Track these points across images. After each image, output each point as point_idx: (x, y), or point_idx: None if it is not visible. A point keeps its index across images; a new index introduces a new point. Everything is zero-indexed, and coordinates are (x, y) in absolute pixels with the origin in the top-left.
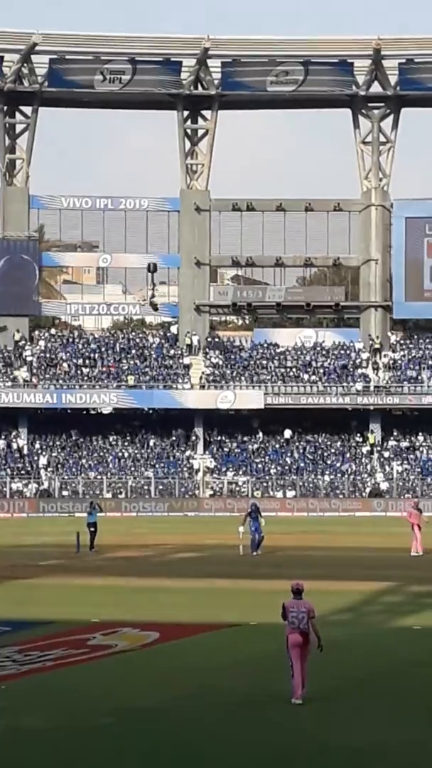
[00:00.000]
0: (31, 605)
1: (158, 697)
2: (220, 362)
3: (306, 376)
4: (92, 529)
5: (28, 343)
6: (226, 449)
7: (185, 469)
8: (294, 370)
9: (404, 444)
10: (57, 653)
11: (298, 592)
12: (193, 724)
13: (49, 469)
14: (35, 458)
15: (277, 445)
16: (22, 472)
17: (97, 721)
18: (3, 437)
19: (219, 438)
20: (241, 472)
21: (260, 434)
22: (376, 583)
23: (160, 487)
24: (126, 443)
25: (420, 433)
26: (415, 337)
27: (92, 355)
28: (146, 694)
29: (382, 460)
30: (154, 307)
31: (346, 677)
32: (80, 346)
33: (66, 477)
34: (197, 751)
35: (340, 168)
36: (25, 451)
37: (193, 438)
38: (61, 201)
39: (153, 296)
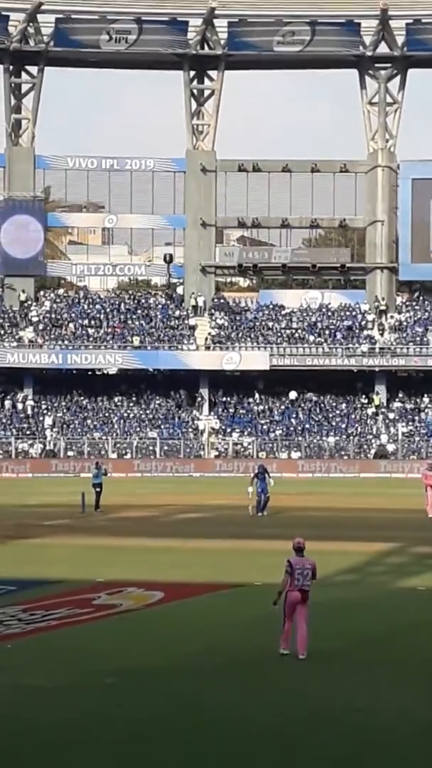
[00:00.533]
0: (36, 565)
1: (163, 656)
2: (226, 323)
3: (311, 338)
4: (97, 489)
5: (34, 304)
6: (231, 410)
7: (190, 429)
8: (299, 331)
9: (409, 405)
10: (62, 612)
11: (300, 549)
12: (197, 683)
13: (54, 430)
14: (40, 418)
15: (282, 407)
16: (28, 432)
17: (102, 681)
18: (8, 397)
19: (224, 399)
20: (246, 433)
21: (265, 395)
22: (381, 544)
23: (165, 447)
24: (131, 404)
25: (425, 395)
26: (421, 298)
27: (98, 315)
28: (151, 654)
29: (387, 421)
30: (169, 259)
31: (351, 638)
32: (86, 307)
33: (71, 437)
34: (201, 710)
35: (346, 129)
36: (30, 412)
37: (199, 399)
38: (66, 161)
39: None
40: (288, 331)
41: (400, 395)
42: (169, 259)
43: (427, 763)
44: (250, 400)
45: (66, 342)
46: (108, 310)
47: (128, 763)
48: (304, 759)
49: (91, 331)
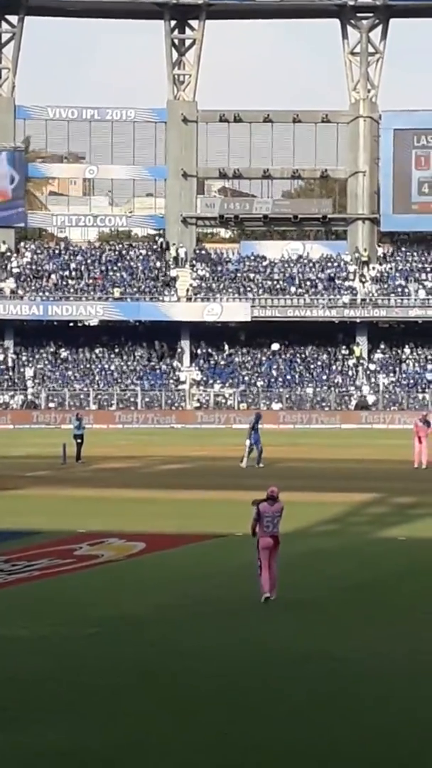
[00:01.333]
0: (17, 516)
1: (144, 606)
2: (207, 275)
3: (293, 289)
4: (79, 440)
5: (14, 255)
6: (212, 362)
7: (171, 381)
8: (281, 282)
9: (390, 357)
10: (44, 563)
11: (272, 498)
12: (177, 632)
13: (35, 381)
14: (21, 370)
15: (264, 358)
16: (8, 383)
17: (84, 630)
18: None
19: (206, 350)
20: (227, 385)
21: (246, 347)
22: (362, 495)
23: (146, 399)
24: (112, 356)
25: (406, 346)
26: (402, 249)
27: (78, 267)
28: (132, 603)
29: (368, 372)
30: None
31: (332, 587)
32: (66, 258)
33: (52, 389)
34: (182, 659)
35: (328, 79)
36: (11, 363)
37: (180, 350)
38: (47, 111)
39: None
40: (269, 283)
41: (382, 346)
42: (166, 246)
43: (404, 706)
44: (232, 351)
45: (47, 293)
46: (89, 261)
47: (110, 711)
48: (282, 699)
49: (72, 282)
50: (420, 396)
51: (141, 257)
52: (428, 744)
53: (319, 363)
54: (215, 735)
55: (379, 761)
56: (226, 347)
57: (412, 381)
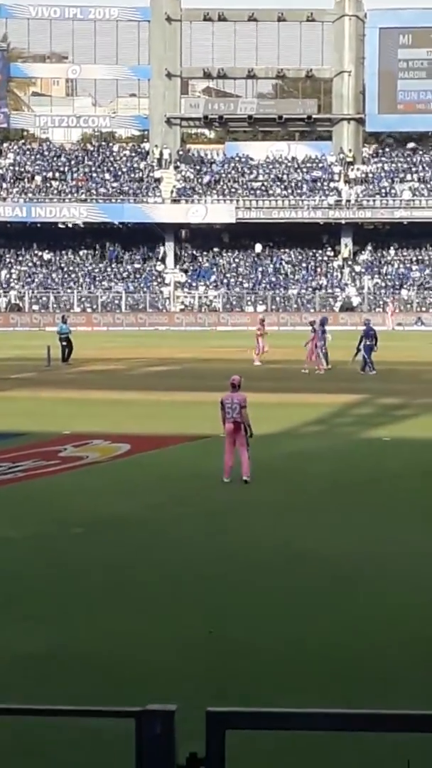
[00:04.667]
0: (2, 417)
1: (130, 506)
2: (191, 176)
3: (278, 190)
4: (64, 343)
5: None
6: (197, 264)
7: (156, 283)
8: (265, 183)
9: (375, 258)
10: (28, 464)
11: (234, 386)
12: (163, 533)
13: (18, 283)
14: (4, 272)
15: (249, 260)
16: None
17: (69, 531)
18: None
19: (190, 252)
20: (211, 287)
21: (231, 249)
22: (347, 396)
23: (131, 301)
24: (96, 258)
25: (391, 247)
26: (388, 150)
27: (62, 168)
28: (118, 504)
29: (353, 274)
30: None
31: (319, 487)
32: (50, 159)
33: (36, 291)
34: (168, 558)
35: None
36: None
37: (164, 252)
38: (29, 10)
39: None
40: (254, 184)
41: (367, 248)
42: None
43: (397, 602)
44: (216, 253)
45: (30, 195)
46: (72, 162)
47: (96, 610)
48: (272, 597)
49: (55, 183)
50: (405, 294)
51: (125, 158)
52: (416, 638)
53: (304, 265)
54: (202, 633)
55: (372, 656)
56: (211, 249)
57: (397, 282)
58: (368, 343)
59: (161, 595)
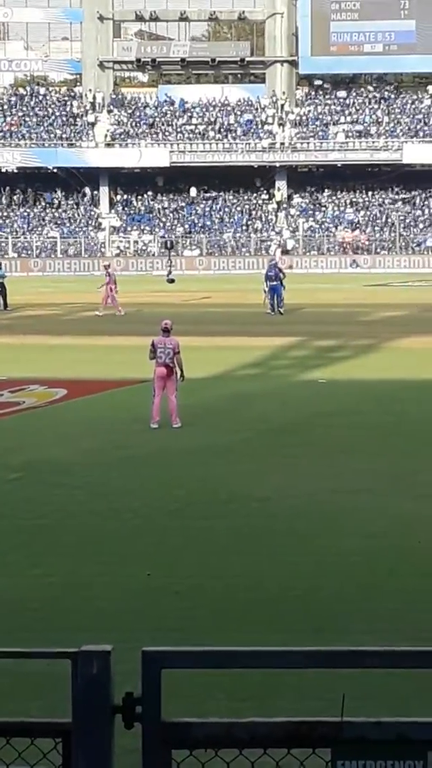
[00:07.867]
0: None
1: (67, 451)
2: (125, 120)
3: (211, 134)
4: (0, 288)
5: None
6: (131, 208)
7: (90, 228)
8: (199, 127)
9: (310, 201)
10: None
11: (166, 330)
12: (102, 476)
13: None
14: None
15: (183, 204)
16: None
17: (7, 476)
18: None
19: (125, 197)
20: (146, 231)
21: (166, 193)
22: (281, 339)
23: (66, 246)
24: (31, 203)
25: (325, 190)
26: (321, 92)
27: None
28: (55, 449)
29: (288, 217)
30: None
31: (257, 429)
32: None
33: None
34: (107, 500)
35: None
36: None
37: (98, 197)
38: None
39: (170, 273)
40: (188, 127)
41: (302, 191)
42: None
43: (327, 543)
44: (151, 197)
45: None
46: (5, 107)
47: (36, 552)
48: (206, 538)
49: None
50: (339, 236)
51: (58, 102)
52: (350, 577)
53: (239, 209)
54: (141, 575)
55: (304, 595)
56: (145, 193)
57: (332, 225)
58: (272, 284)
59: (97, 539)
